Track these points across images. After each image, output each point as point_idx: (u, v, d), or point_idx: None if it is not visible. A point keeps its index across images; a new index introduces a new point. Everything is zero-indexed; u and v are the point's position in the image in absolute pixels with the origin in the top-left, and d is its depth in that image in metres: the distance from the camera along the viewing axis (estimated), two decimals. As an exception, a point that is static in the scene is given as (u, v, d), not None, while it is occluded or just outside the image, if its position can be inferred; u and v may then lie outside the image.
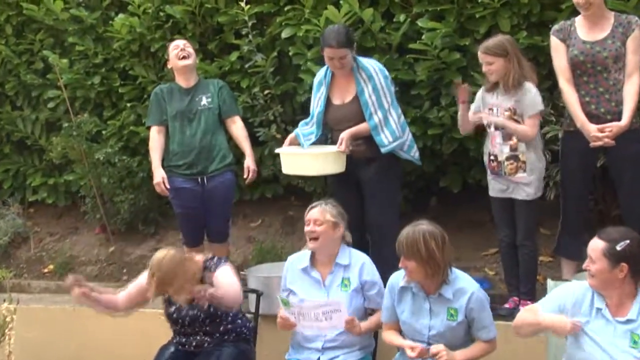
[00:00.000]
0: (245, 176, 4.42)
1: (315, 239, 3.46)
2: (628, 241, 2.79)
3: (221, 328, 3.54)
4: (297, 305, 3.36)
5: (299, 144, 4.13)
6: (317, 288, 3.50)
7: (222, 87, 4.48)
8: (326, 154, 3.99)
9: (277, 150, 4.21)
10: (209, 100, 4.39)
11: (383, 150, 3.98)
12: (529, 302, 3.82)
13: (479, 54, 3.83)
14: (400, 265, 3.13)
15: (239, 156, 4.60)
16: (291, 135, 4.19)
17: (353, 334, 3.38)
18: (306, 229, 3.49)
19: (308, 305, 3.36)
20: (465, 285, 3.16)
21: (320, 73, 4.17)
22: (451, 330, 3.15)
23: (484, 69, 3.82)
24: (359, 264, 3.50)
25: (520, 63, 3.77)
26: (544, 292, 3.66)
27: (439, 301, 3.16)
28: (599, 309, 2.86)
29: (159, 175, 4.38)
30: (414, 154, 4.17)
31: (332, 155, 3.97)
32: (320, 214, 3.47)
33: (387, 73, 4.06)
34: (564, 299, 2.93)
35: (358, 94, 3.99)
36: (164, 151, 4.46)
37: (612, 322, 2.84)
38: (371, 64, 4.03)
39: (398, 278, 3.24)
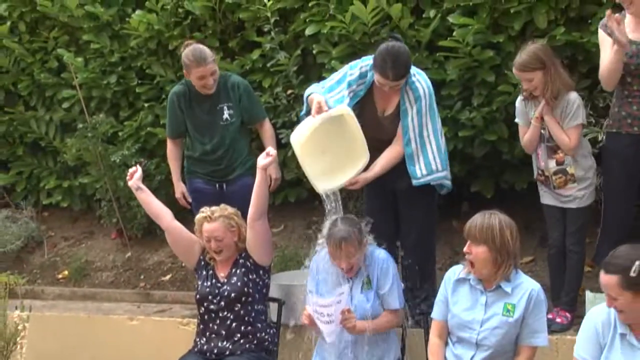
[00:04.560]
0: (268, 185, 4.26)
1: (350, 269, 3.49)
2: (638, 262, 2.68)
3: (242, 328, 3.68)
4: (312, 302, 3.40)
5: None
6: (343, 283, 3.53)
7: (242, 95, 4.37)
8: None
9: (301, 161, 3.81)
10: (231, 112, 4.35)
11: (414, 182, 3.86)
12: (567, 313, 3.93)
13: (515, 72, 3.80)
14: (465, 250, 3.12)
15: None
16: (321, 99, 3.73)
17: (347, 329, 3.36)
18: (342, 264, 3.46)
19: (315, 302, 3.38)
20: (525, 282, 3.15)
21: (362, 73, 3.85)
22: (506, 327, 3.09)
23: (525, 86, 3.78)
24: (377, 261, 3.55)
25: (558, 70, 3.75)
26: (581, 304, 3.90)
27: (496, 294, 3.14)
28: (623, 335, 2.79)
29: (179, 190, 4.58)
30: (443, 192, 4.07)
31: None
32: (351, 250, 3.42)
33: (432, 92, 3.88)
34: (595, 330, 2.84)
35: (401, 114, 3.84)
36: (184, 153, 4.51)
37: (638, 347, 2.76)
38: (421, 84, 3.84)
39: (455, 271, 3.27)
